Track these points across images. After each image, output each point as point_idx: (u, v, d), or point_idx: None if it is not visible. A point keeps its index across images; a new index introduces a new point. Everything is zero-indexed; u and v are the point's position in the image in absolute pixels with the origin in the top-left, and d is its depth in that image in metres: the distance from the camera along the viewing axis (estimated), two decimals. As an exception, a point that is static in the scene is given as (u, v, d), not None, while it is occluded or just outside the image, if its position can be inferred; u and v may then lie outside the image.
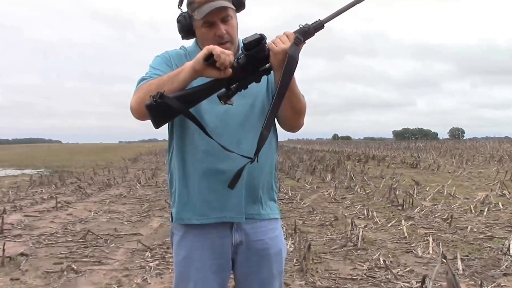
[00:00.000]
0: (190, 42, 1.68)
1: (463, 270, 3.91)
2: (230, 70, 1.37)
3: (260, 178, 1.60)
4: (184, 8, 1.58)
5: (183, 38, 1.63)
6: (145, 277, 3.86)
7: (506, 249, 4.44)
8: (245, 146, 1.53)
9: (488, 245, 4.78)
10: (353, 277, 3.82)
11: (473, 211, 6.70)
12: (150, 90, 1.41)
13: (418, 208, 7.04)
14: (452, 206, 7.27)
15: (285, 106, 1.50)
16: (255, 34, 1.40)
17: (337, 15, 1.44)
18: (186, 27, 1.58)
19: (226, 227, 1.58)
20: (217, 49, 1.34)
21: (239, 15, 1.61)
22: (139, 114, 1.47)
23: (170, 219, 1.67)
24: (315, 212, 7.02)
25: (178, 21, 1.60)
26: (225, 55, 1.35)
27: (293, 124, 1.66)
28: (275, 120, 1.63)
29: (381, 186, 9.96)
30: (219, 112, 1.53)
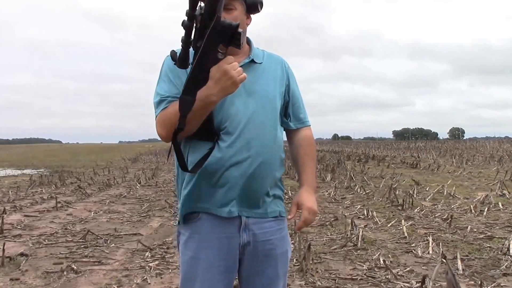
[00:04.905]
0: None
1: (463, 270, 3.90)
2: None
3: (267, 175, 1.60)
4: None
5: None
6: (145, 277, 3.86)
7: (506, 249, 4.44)
8: (255, 144, 1.55)
9: (488, 245, 4.78)
10: (353, 277, 3.81)
11: (473, 211, 6.70)
12: (176, 122, 1.46)
13: (418, 208, 7.04)
14: (452, 206, 7.27)
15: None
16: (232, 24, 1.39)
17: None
18: None
19: (234, 227, 1.57)
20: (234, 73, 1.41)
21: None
22: (168, 140, 1.54)
23: (177, 222, 1.67)
24: (315, 212, 7.01)
25: None
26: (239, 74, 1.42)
27: None
28: (281, 120, 1.70)
29: (381, 186, 9.97)
30: (228, 111, 1.54)
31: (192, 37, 1.39)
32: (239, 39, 1.38)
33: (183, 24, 1.36)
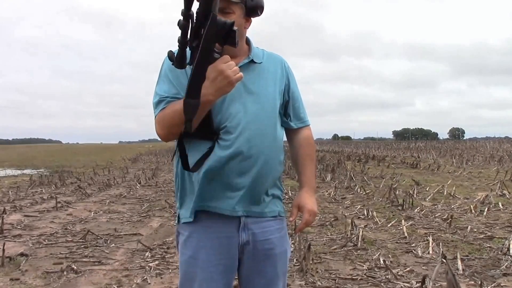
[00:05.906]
0: None
1: (463, 270, 3.91)
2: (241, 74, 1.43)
3: (266, 175, 1.60)
4: None
5: None
6: (145, 277, 3.86)
7: (506, 249, 4.44)
8: (255, 144, 1.55)
9: (488, 245, 4.78)
10: (353, 277, 3.81)
11: (473, 211, 6.70)
12: (174, 123, 1.48)
13: (418, 208, 7.04)
14: (452, 206, 7.27)
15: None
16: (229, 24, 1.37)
17: None
18: None
19: (233, 226, 1.58)
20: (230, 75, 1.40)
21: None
22: (167, 140, 1.57)
23: (176, 221, 1.67)
24: (315, 212, 7.01)
25: None
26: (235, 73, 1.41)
27: None
28: (282, 120, 1.70)
29: (381, 186, 9.96)
30: (227, 110, 1.54)
31: (188, 36, 1.37)
32: (234, 37, 1.37)
33: (179, 24, 1.34)
